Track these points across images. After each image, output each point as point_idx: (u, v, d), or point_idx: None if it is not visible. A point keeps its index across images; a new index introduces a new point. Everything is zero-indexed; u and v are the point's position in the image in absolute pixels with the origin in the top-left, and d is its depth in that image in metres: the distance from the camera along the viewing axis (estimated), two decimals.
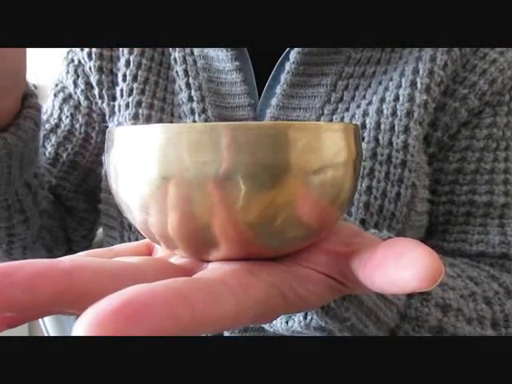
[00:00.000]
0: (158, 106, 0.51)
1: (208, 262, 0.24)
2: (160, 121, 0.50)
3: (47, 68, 1.15)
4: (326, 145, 0.22)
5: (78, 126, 0.55)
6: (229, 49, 0.49)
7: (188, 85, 0.51)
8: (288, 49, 0.49)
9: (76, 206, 0.57)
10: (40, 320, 0.70)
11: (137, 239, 0.49)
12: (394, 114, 0.45)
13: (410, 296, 0.34)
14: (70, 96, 0.56)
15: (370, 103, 0.47)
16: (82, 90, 0.55)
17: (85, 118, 0.55)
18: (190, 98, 0.50)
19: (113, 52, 0.53)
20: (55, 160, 0.55)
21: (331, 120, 0.47)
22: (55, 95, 0.57)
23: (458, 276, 0.41)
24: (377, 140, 0.45)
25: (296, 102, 0.48)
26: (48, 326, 0.69)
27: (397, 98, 0.46)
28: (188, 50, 0.53)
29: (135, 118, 0.50)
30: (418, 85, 0.45)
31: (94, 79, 0.54)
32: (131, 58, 0.52)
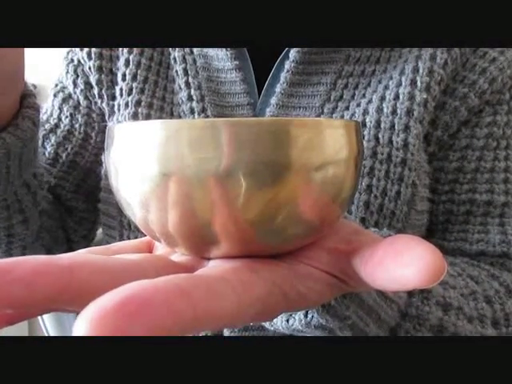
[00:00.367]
0: (157, 106, 0.51)
1: (208, 259, 0.24)
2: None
3: (47, 68, 1.15)
4: (327, 142, 0.22)
5: (77, 125, 0.55)
6: (228, 48, 0.49)
7: (187, 84, 0.51)
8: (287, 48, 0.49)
9: (76, 206, 0.57)
10: (40, 319, 0.70)
11: (136, 238, 0.49)
12: (393, 112, 0.45)
13: (410, 294, 0.34)
14: (70, 96, 0.56)
15: (369, 102, 0.47)
16: (82, 90, 0.55)
17: (84, 117, 0.55)
18: (190, 97, 0.50)
19: (112, 51, 0.53)
20: (55, 160, 0.55)
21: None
22: (55, 95, 0.57)
23: (459, 275, 0.41)
24: (377, 138, 0.45)
25: (296, 100, 0.48)
26: (48, 326, 0.69)
27: (397, 97, 0.46)
28: (187, 49, 0.53)
29: (135, 118, 0.50)
30: (418, 83, 0.45)
31: (93, 79, 0.54)
32: (131, 58, 0.52)
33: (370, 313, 0.30)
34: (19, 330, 1.51)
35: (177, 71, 0.52)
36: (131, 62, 0.52)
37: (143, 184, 0.21)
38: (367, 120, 0.46)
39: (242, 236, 0.22)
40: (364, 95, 0.47)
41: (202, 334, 0.44)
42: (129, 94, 0.51)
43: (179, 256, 0.25)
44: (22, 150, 0.41)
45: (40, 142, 0.55)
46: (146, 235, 0.29)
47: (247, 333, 0.46)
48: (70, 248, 0.58)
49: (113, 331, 0.14)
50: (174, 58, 0.52)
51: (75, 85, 0.55)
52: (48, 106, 0.58)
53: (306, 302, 0.24)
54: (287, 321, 0.29)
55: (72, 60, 0.55)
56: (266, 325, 0.31)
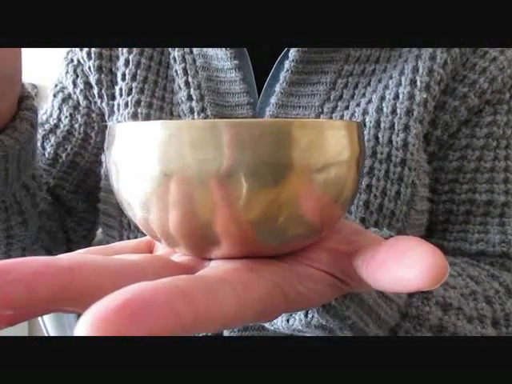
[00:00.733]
0: (157, 105, 0.51)
1: (209, 259, 0.24)
2: (159, 120, 0.50)
3: (47, 68, 1.15)
4: (329, 142, 0.22)
5: (77, 126, 0.55)
6: (228, 47, 0.49)
7: (187, 83, 0.51)
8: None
9: (75, 207, 0.57)
10: (40, 320, 0.69)
11: (136, 238, 0.49)
12: (393, 112, 0.45)
13: (410, 295, 0.34)
14: (70, 96, 0.56)
15: (369, 101, 0.47)
16: (82, 90, 0.55)
17: (84, 117, 0.55)
18: (189, 97, 0.50)
19: (112, 51, 0.53)
20: (54, 160, 0.55)
21: (331, 118, 0.47)
22: (55, 95, 0.57)
23: (459, 275, 0.41)
24: (376, 138, 0.45)
25: (295, 100, 0.48)
26: (48, 326, 0.69)
27: (396, 97, 0.46)
28: (187, 48, 0.52)
29: (134, 117, 0.50)
30: (418, 83, 0.45)
31: (93, 79, 0.54)
32: (130, 58, 0.52)
33: (370, 313, 0.30)
34: (19, 329, 1.51)
35: (176, 71, 0.52)
36: (131, 62, 0.52)
37: (144, 184, 0.21)
38: (367, 120, 0.46)
39: (243, 237, 0.22)
40: (364, 95, 0.47)
41: (201, 334, 0.44)
42: (128, 94, 0.51)
43: (180, 256, 0.25)
44: (19, 152, 0.41)
45: (40, 143, 0.55)
46: (146, 235, 0.29)
47: (247, 333, 0.46)
48: (70, 248, 0.58)
49: (115, 332, 0.14)
50: (174, 58, 0.52)
51: (75, 85, 0.55)
52: (48, 107, 0.58)
53: (306, 302, 0.24)
54: (287, 321, 0.29)
55: (72, 60, 0.55)
56: (266, 325, 0.31)
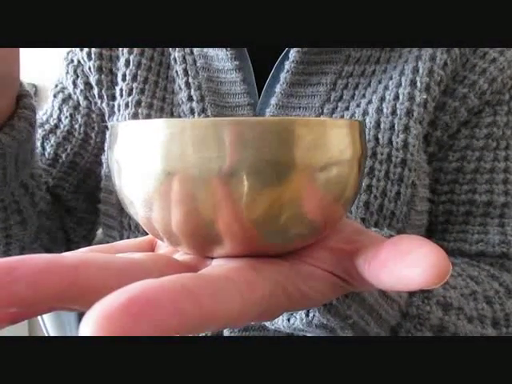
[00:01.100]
0: (157, 106, 0.51)
1: (211, 258, 0.24)
2: None
3: (47, 68, 1.15)
4: (331, 141, 0.22)
5: (77, 126, 0.55)
6: (228, 48, 0.49)
7: (187, 84, 0.51)
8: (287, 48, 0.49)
9: (75, 207, 0.57)
10: (40, 319, 0.69)
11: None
12: (393, 112, 0.45)
13: (411, 294, 0.34)
14: (70, 96, 0.56)
15: (369, 102, 0.47)
16: (82, 90, 0.55)
17: (84, 118, 0.55)
18: (190, 98, 0.50)
19: (112, 52, 0.53)
20: (54, 160, 0.55)
21: None
22: (55, 96, 0.57)
23: (459, 275, 0.41)
24: (377, 139, 0.45)
25: (296, 101, 0.48)
26: (48, 326, 0.69)
27: (396, 97, 0.46)
28: (188, 49, 0.53)
29: (135, 118, 0.50)
30: (418, 84, 0.45)
31: (93, 79, 0.54)
32: (131, 58, 0.52)
33: (371, 312, 0.30)
34: (19, 329, 1.51)
35: (177, 71, 0.52)
36: (131, 63, 0.52)
37: (146, 182, 0.21)
38: (367, 120, 0.46)
39: (245, 235, 0.22)
40: (364, 95, 0.48)
41: (201, 334, 0.44)
42: (129, 95, 0.51)
43: (182, 255, 0.25)
44: (18, 150, 0.41)
45: (40, 143, 0.55)
46: (146, 236, 0.29)
47: (247, 333, 0.46)
48: (69, 249, 0.58)
49: (119, 331, 0.14)
50: (174, 59, 0.52)
51: (75, 85, 0.55)
52: (48, 107, 0.58)
53: (308, 301, 0.24)
54: (288, 320, 0.29)
55: (72, 60, 0.55)
56: (267, 324, 0.31)
